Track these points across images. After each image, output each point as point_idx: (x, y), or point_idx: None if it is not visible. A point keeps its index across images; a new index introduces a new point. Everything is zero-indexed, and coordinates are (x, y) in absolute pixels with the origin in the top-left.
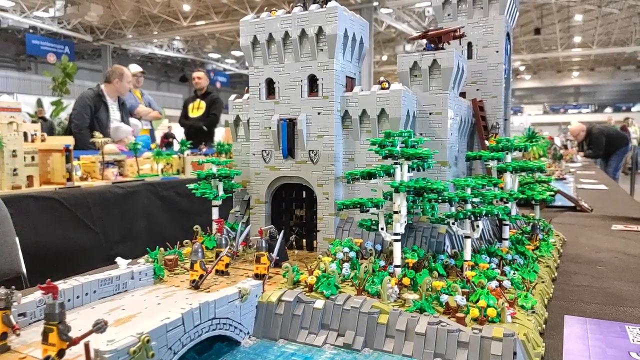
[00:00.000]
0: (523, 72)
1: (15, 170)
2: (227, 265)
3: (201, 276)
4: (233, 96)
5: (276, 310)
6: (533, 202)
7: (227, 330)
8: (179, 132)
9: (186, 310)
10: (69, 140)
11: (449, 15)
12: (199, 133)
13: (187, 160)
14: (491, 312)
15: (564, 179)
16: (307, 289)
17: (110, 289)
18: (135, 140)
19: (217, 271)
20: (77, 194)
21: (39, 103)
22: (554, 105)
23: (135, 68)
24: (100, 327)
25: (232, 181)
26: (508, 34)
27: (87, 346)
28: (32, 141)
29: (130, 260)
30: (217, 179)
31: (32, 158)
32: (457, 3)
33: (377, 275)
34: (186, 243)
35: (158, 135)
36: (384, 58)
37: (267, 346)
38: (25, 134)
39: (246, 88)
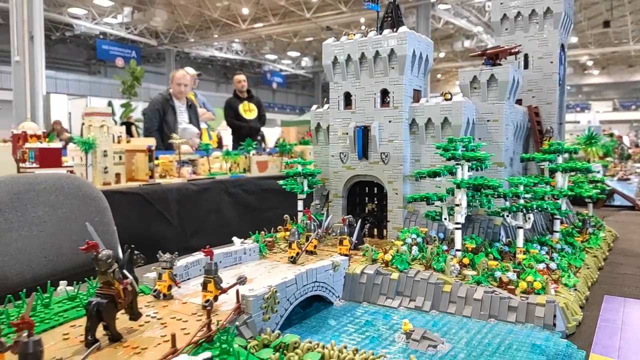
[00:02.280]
0: (591, 67)
1: (106, 168)
2: (315, 247)
3: (297, 253)
4: (314, 106)
5: (360, 279)
6: (587, 199)
7: (324, 291)
8: (227, 133)
9: (298, 273)
10: (152, 142)
11: (506, 29)
12: (254, 133)
13: (253, 159)
14: (537, 285)
15: (628, 179)
16: (383, 264)
17: (230, 261)
18: (202, 142)
19: (307, 251)
20: (157, 190)
21: (110, 105)
22: (625, 102)
23: (190, 71)
24: (242, 281)
25: (314, 178)
26: (562, 45)
27: (237, 292)
28: (119, 142)
29: (242, 240)
30: (303, 177)
31: (120, 157)
32: (515, 19)
33: (441, 256)
34: (279, 229)
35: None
36: (442, 55)
37: (353, 306)
38: (113, 136)
39: (325, 99)
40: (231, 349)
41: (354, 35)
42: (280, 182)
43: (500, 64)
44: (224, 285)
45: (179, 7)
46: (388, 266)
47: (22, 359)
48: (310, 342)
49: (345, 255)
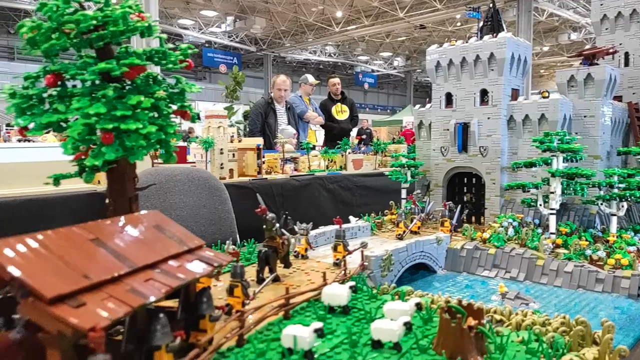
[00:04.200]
0: None
1: (222, 164)
2: (419, 228)
3: (404, 232)
4: (417, 106)
5: (460, 253)
6: None
7: (428, 260)
8: (321, 133)
9: (408, 242)
10: (260, 141)
11: (606, 29)
12: (345, 134)
13: (349, 157)
14: (624, 261)
15: None
16: (482, 242)
17: (348, 234)
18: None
19: (411, 231)
20: (264, 185)
21: (227, 109)
22: None
23: (310, 79)
24: (364, 245)
25: (417, 170)
26: None
27: (362, 253)
28: (232, 141)
29: (357, 219)
30: (407, 168)
31: (233, 155)
32: (615, 19)
33: (536, 236)
34: (386, 212)
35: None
36: (545, 49)
37: (454, 275)
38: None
39: (427, 99)
40: (364, 287)
41: (456, 41)
42: (387, 172)
43: (597, 64)
44: (349, 249)
45: (277, 14)
46: (486, 243)
47: (233, 275)
48: (421, 292)
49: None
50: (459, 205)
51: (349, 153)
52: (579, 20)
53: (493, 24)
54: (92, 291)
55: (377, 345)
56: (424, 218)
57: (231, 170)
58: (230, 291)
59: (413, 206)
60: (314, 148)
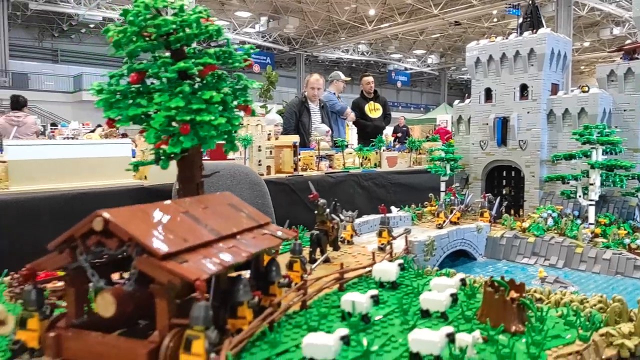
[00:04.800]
0: None
1: (259, 161)
2: (458, 218)
3: (444, 221)
4: (457, 101)
5: (500, 242)
6: None
7: (469, 247)
8: (352, 131)
9: (450, 229)
10: (296, 138)
11: None
12: (378, 132)
13: (383, 155)
14: None
15: None
16: (521, 231)
17: (390, 223)
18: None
19: (451, 222)
20: (300, 181)
21: (264, 107)
22: None
23: (342, 76)
24: (408, 231)
25: (456, 163)
26: None
27: (406, 238)
28: (269, 139)
29: (398, 209)
30: (446, 162)
31: (270, 152)
32: None
33: (575, 225)
34: (425, 204)
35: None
36: (586, 44)
37: (494, 262)
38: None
39: (466, 95)
40: (411, 266)
41: (495, 38)
42: (427, 166)
43: (637, 58)
44: (393, 235)
45: (310, 13)
46: (525, 232)
47: (292, 252)
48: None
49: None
50: (498, 197)
51: (384, 151)
52: (622, 14)
53: (532, 20)
54: (190, 252)
55: (425, 314)
56: (463, 209)
57: (268, 167)
58: (289, 266)
59: (453, 198)
60: (346, 146)
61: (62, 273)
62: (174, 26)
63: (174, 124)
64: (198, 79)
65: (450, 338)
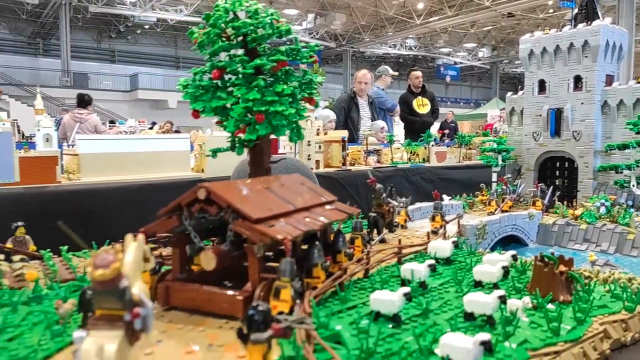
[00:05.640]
0: None
1: (309, 156)
2: (510, 207)
3: (495, 210)
4: (509, 93)
5: (551, 228)
6: None
7: (520, 233)
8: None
9: (502, 215)
10: (345, 133)
11: None
12: (426, 127)
13: (432, 150)
14: None
15: None
16: (573, 218)
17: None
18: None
19: (502, 210)
20: (349, 175)
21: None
22: None
23: (390, 71)
24: (460, 216)
25: (508, 154)
26: None
27: (459, 222)
28: (318, 134)
29: (450, 197)
30: (498, 153)
31: (319, 147)
32: None
33: (627, 213)
34: (476, 194)
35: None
36: None
37: (545, 248)
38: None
39: (519, 87)
40: (464, 245)
41: (549, 30)
42: (479, 157)
43: None
44: (446, 219)
45: (357, 8)
46: (577, 220)
47: (354, 229)
48: None
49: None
50: (551, 187)
51: (432, 146)
52: None
53: (587, 12)
54: (275, 219)
55: (478, 285)
56: (515, 199)
57: (317, 162)
58: (351, 241)
59: (504, 188)
60: (392, 142)
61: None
62: (251, 28)
63: (249, 114)
64: (269, 74)
65: (502, 300)
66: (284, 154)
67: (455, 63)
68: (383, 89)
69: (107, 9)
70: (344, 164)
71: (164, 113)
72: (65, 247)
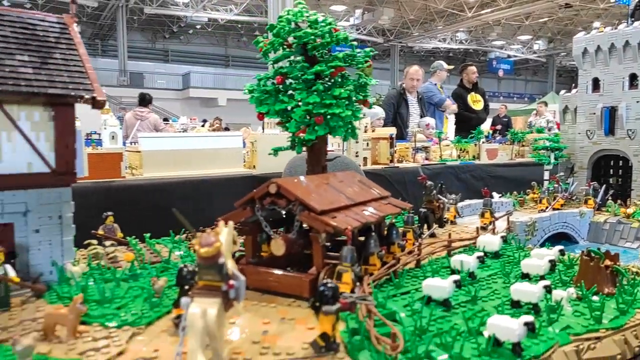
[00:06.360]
0: None
1: (357, 152)
2: (562, 205)
3: (546, 207)
4: (563, 91)
5: (602, 226)
6: None
7: (570, 231)
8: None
9: (552, 213)
10: (393, 130)
11: None
12: (482, 124)
13: (483, 147)
14: None
15: None
16: (625, 217)
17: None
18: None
19: (554, 208)
20: (396, 172)
21: None
22: None
23: (445, 66)
24: (510, 213)
25: (560, 152)
26: None
27: (508, 218)
28: (365, 131)
29: (500, 195)
30: (550, 151)
31: (367, 144)
32: None
33: None
34: (527, 192)
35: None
36: None
37: (595, 246)
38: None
39: (573, 85)
40: (512, 240)
41: (604, 27)
42: (531, 154)
43: None
44: (495, 215)
45: (405, 3)
46: (629, 218)
47: (406, 223)
48: None
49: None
50: (604, 186)
51: (483, 143)
52: None
53: None
54: (336, 211)
55: (525, 277)
56: (567, 197)
57: (365, 159)
58: (403, 235)
59: (556, 186)
60: (442, 139)
61: None
62: (312, 37)
63: (309, 116)
64: (327, 78)
65: (548, 289)
66: (332, 150)
67: (509, 56)
68: (435, 84)
69: (161, 10)
70: (391, 161)
71: (214, 110)
72: (148, 235)
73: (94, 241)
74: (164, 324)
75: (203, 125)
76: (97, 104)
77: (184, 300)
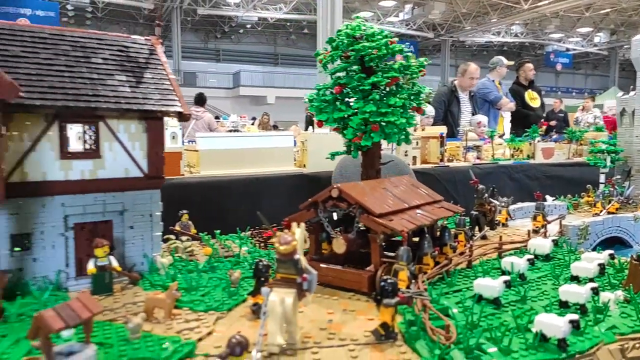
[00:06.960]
0: None
1: (406, 152)
2: (617, 209)
3: (601, 211)
4: (620, 93)
5: None
6: None
7: (624, 235)
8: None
9: (605, 217)
10: (444, 129)
11: None
12: (537, 122)
13: (538, 146)
14: None
15: None
16: None
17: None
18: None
19: (609, 212)
20: (446, 172)
21: None
22: None
23: (505, 61)
24: (562, 216)
25: (617, 156)
26: None
27: (560, 222)
28: (415, 130)
29: (553, 198)
30: (607, 154)
31: (417, 143)
32: None
33: None
34: (582, 195)
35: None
36: None
37: None
38: None
39: (631, 87)
40: (564, 243)
41: None
42: (586, 157)
43: None
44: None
45: None
46: None
47: (458, 225)
48: None
49: None
50: None
51: (538, 141)
52: None
53: None
54: (393, 214)
55: (574, 279)
56: (623, 201)
57: (414, 158)
58: (455, 237)
59: (612, 189)
60: (494, 137)
61: None
62: (369, 50)
63: (365, 124)
64: (383, 88)
65: (595, 291)
66: (383, 150)
67: (568, 50)
68: (493, 81)
69: (213, 10)
70: (441, 160)
71: (263, 108)
72: (218, 231)
73: (172, 236)
74: (242, 311)
75: (253, 124)
76: (182, 118)
77: (264, 289)
